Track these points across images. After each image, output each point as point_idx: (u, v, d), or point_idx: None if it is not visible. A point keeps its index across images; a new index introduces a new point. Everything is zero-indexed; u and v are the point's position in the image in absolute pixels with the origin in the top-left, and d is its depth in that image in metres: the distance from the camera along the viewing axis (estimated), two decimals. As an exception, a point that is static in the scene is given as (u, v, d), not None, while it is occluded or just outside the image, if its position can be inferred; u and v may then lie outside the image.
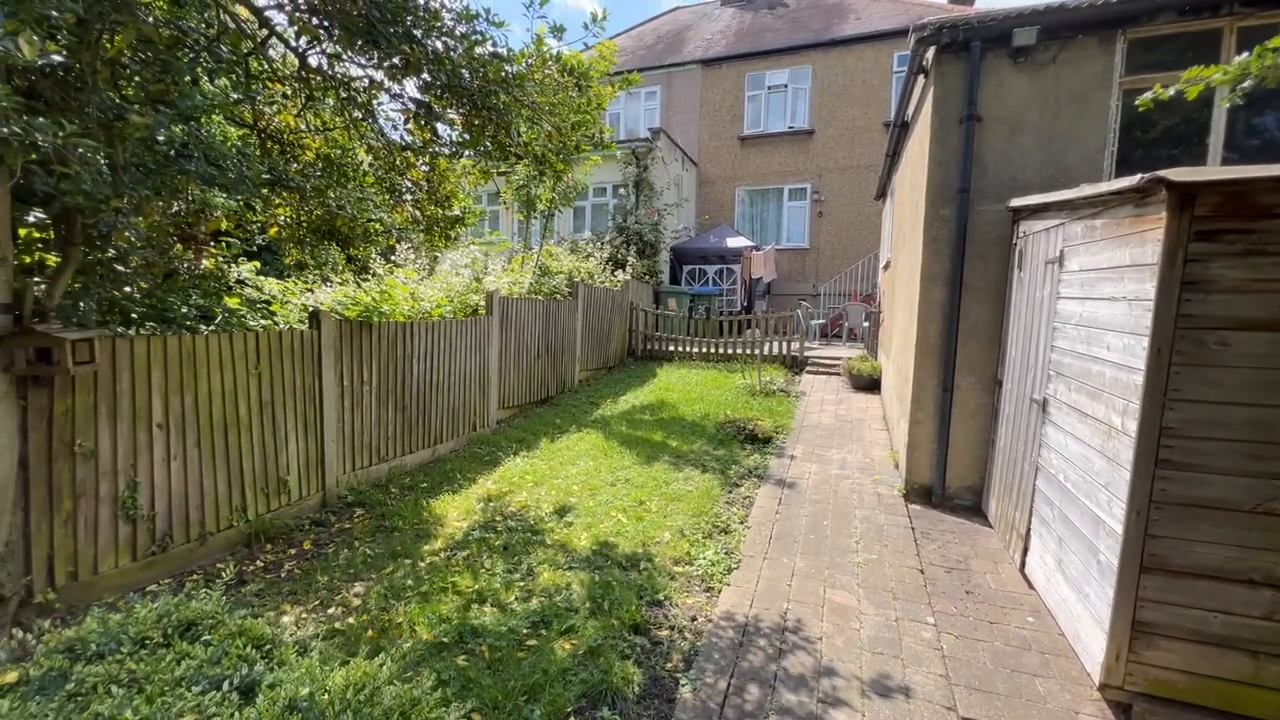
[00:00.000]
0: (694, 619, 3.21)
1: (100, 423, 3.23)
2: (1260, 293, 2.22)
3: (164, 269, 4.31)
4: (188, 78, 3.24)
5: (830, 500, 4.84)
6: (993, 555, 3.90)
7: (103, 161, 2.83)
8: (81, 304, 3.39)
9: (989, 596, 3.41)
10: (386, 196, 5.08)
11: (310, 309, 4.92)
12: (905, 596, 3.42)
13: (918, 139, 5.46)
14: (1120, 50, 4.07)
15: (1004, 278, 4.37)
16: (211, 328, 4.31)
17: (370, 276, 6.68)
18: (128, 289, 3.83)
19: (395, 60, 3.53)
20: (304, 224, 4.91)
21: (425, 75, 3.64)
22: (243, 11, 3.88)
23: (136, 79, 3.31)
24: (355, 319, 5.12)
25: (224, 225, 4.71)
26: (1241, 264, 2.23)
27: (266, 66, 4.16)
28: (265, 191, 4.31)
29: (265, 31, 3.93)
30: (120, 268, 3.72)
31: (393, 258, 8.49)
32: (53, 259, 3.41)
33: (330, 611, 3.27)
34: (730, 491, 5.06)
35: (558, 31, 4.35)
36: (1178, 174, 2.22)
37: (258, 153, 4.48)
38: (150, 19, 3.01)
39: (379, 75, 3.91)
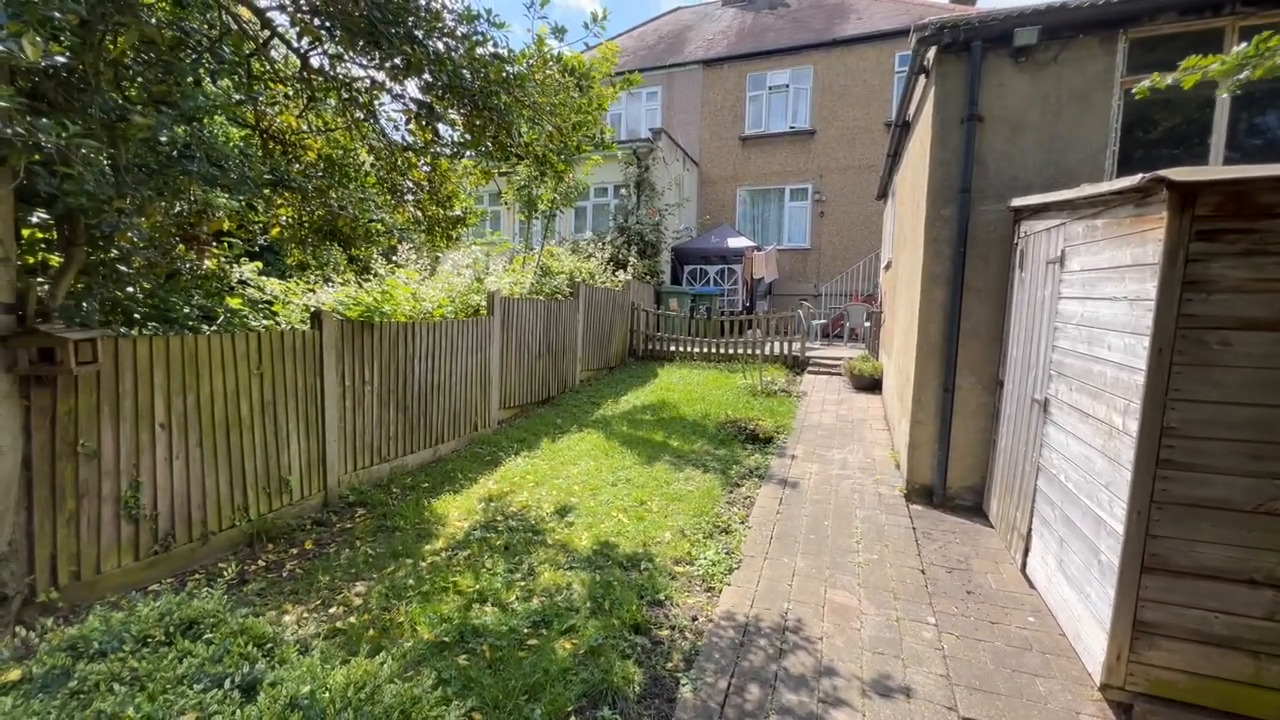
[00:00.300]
0: (695, 619, 3.21)
1: (103, 422, 3.25)
2: (1262, 292, 2.21)
3: (166, 269, 4.32)
4: (190, 79, 3.25)
5: (831, 500, 4.84)
6: (994, 555, 3.89)
7: (105, 162, 2.84)
8: (84, 304, 3.40)
9: (990, 596, 3.41)
10: (388, 197, 5.09)
11: (312, 309, 4.93)
12: (906, 596, 3.41)
13: (919, 139, 5.45)
14: (1122, 50, 4.06)
15: (1005, 278, 4.37)
16: (214, 328, 4.32)
17: (372, 277, 6.70)
18: (130, 289, 3.85)
19: (397, 61, 3.54)
20: (306, 224, 4.92)
21: (426, 76, 3.65)
22: (245, 13, 3.89)
23: (139, 80, 3.32)
24: (357, 319, 5.13)
25: (226, 226, 4.72)
26: (1243, 264, 2.23)
27: (268, 67, 4.17)
28: (267, 192, 4.33)
29: (267, 33, 3.94)
30: (123, 268, 3.73)
31: (394, 258, 8.50)
32: (56, 259, 3.42)
33: (331, 611, 3.27)
34: (731, 491, 5.06)
35: (559, 32, 4.36)
36: (1178, 174, 2.21)
37: (260, 153, 4.49)
38: (153, 20, 3.02)
39: (380, 76, 3.92)
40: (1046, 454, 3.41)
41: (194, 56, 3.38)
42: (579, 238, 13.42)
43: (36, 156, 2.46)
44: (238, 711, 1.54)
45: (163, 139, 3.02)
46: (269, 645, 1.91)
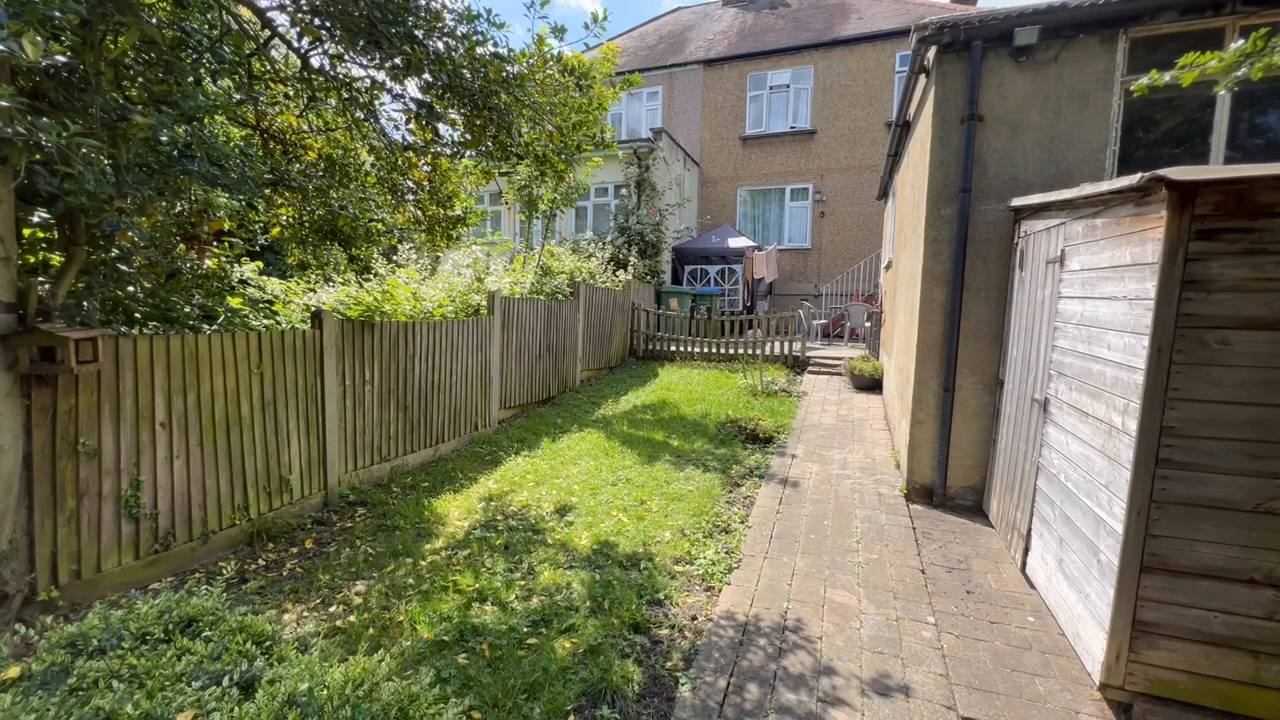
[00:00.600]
0: (694, 618, 3.21)
1: (103, 421, 3.25)
2: (1261, 291, 2.21)
3: (167, 269, 4.33)
4: (191, 78, 3.26)
5: (831, 500, 4.84)
6: (994, 555, 3.89)
7: (106, 162, 2.85)
8: (85, 303, 3.41)
9: (990, 596, 3.41)
10: (388, 196, 5.10)
11: (312, 309, 4.94)
12: (906, 596, 3.41)
13: (919, 139, 5.45)
14: (1122, 49, 4.06)
15: (1005, 277, 4.37)
16: (214, 327, 4.33)
17: (372, 276, 6.71)
18: (131, 288, 3.85)
19: (397, 61, 3.55)
20: (306, 224, 4.93)
21: (427, 75, 3.66)
22: (245, 13, 3.90)
23: (140, 80, 3.33)
24: (357, 319, 5.14)
25: (227, 225, 4.73)
26: (1242, 263, 2.23)
27: (269, 67, 4.18)
28: (268, 192, 4.34)
29: (268, 32, 3.95)
30: (123, 267, 3.74)
31: (395, 258, 8.52)
32: (56, 259, 3.43)
33: (331, 610, 3.28)
34: (731, 491, 5.06)
35: (559, 32, 4.36)
36: (1178, 173, 2.21)
37: (260, 153, 4.50)
38: (154, 20, 3.03)
39: (381, 76, 3.93)
40: (1046, 454, 3.40)
41: (194, 56, 3.39)
42: (579, 238, 13.43)
43: (37, 156, 2.47)
44: (236, 708, 1.55)
45: (163, 139, 3.03)
46: (268, 643, 1.92)
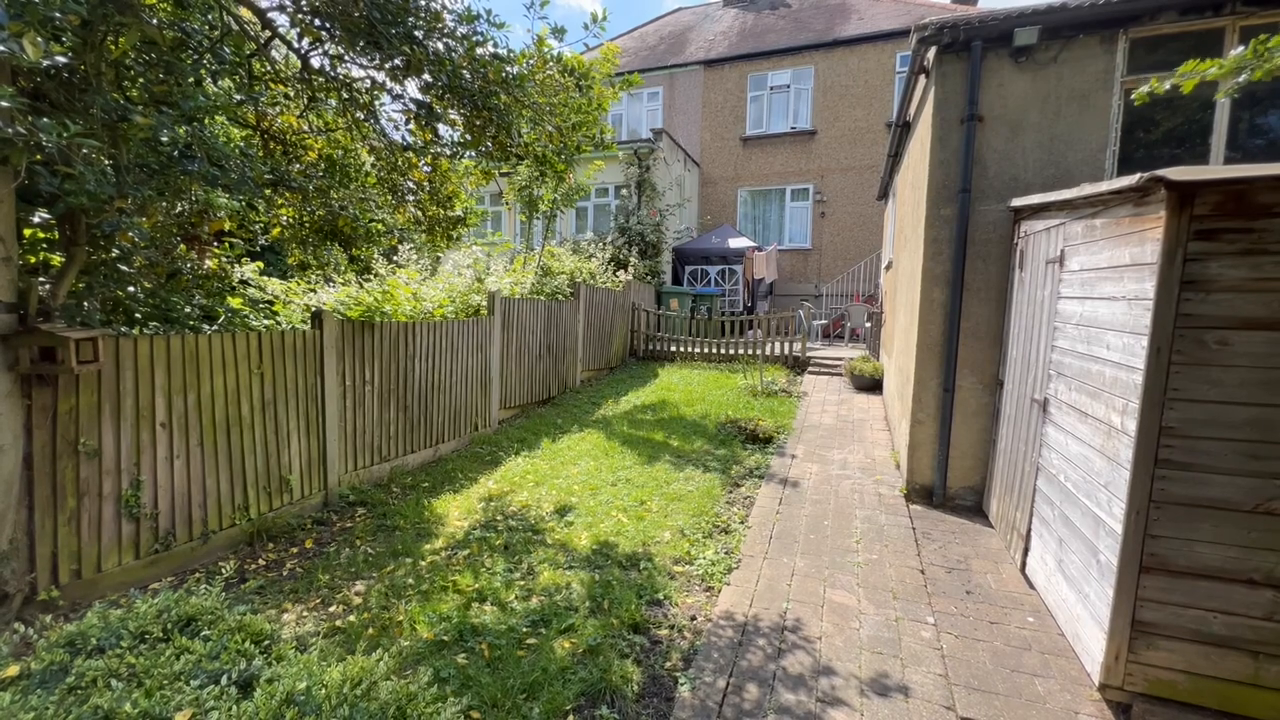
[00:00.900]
0: (693, 618, 3.21)
1: (103, 421, 3.26)
2: (1260, 292, 2.21)
3: (167, 269, 4.34)
4: (191, 79, 3.26)
5: (831, 500, 4.83)
6: (993, 555, 3.89)
7: (107, 162, 2.86)
8: (85, 303, 3.42)
9: (989, 596, 3.40)
10: (388, 197, 5.10)
11: (313, 309, 4.95)
12: (905, 596, 3.41)
13: (919, 139, 5.45)
14: (1122, 50, 4.06)
15: (1005, 277, 4.36)
16: (214, 328, 4.34)
17: (373, 277, 6.71)
18: (131, 289, 3.86)
19: (397, 61, 3.55)
20: (306, 224, 4.93)
21: (426, 76, 3.66)
22: (246, 13, 3.91)
23: (140, 80, 3.34)
24: (357, 319, 5.14)
25: (227, 226, 4.73)
26: (1241, 263, 2.23)
27: (269, 68, 4.19)
28: (268, 192, 4.34)
29: (268, 33, 3.95)
30: (124, 268, 3.75)
31: (395, 258, 8.52)
32: (57, 259, 3.44)
33: (331, 609, 3.28)
34: (731, 491, 5.06)
35: (559, 33, 4.37)
36: (1176, 173, 2.21)
37: (260, 153, 4.50)
38: (154, 21, 3.04)
39: (381, 76, 3.93)
40: (1046, 454, 3.40)
41: (195, 57, 3.39)
42: (580, 238, 13.43)
43: (38, 156, 2.47)
44: (234, 707, 1.55)
45: (163, 139, 3.04)
46: (266, 642, 1.92)
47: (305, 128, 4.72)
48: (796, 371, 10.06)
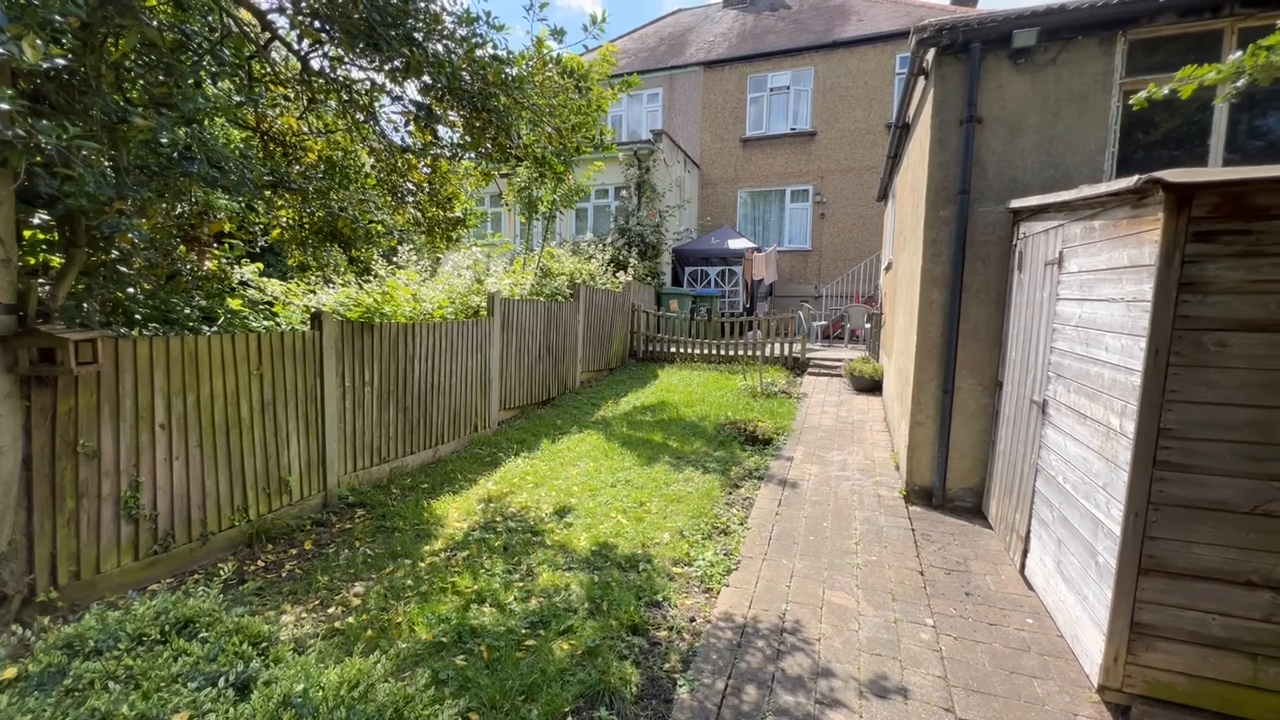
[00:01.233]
0: (692, 620, 3.21)
1: (103, 423, 3.26)
2: (1258, 294, 2.21)
3: (167, 270, 4.34)
4: (191, 81, 3.27)
5: (830, 502, 4.83)
6: (993, 557, 3.89)
7: (106, 164, 2.86)
8: (85, 305, 3.42)
9: (988, 598, 3.40)
10: (388, 198, 5.10)
11: (312, 310, 4.95)
12: (904, 598, 3.41)
13: (918, 140, 5.46)
14: (1121, 51, 4.06)
15: (1004, 279, 4.37)
16: (214, 329, 4.34)
17: (372, 278, 6.71)
18: (131, 290, 3.86)
19: (396, 63, 3.56)
20: (306, 226, 4.94)
21: (426, 78, 3.66)
22: (245, 15, 3.91)
23: (140, 82, 3.34)
24: (357, 320, 5.15)
25: (227, 227, 4.74)
26: (1239, 265, 2.23)
27: (269, 69, 4.19)
28: (268, 193, 4.34)
29: (268, 35, 3.96)
30: (123, 269, 3.75)
31: (395, 259, 8.53)
32: (56, 260, 3.44)
33: (330, 611, 3.28)
34: (730, 493, 5.06)
35: (558, 34, 4.37)
36: (1174, 175, 2.21)
37: (260, 155, 4.51)
38: (154, 23, 3.04)
39: (380, 78, 3.93)
40: (1045, 455, 3.40)
41: (195, 59, 3.40)
42: (579, 239, 13.45)
43: (38, 158, 2.47)
44: (231, 709, 1.55)
45: (163, 141, 3.04)
46: (264, 644, 1.92)
47: (305, 129, 4.73)
48: (796, 373, 10.06)
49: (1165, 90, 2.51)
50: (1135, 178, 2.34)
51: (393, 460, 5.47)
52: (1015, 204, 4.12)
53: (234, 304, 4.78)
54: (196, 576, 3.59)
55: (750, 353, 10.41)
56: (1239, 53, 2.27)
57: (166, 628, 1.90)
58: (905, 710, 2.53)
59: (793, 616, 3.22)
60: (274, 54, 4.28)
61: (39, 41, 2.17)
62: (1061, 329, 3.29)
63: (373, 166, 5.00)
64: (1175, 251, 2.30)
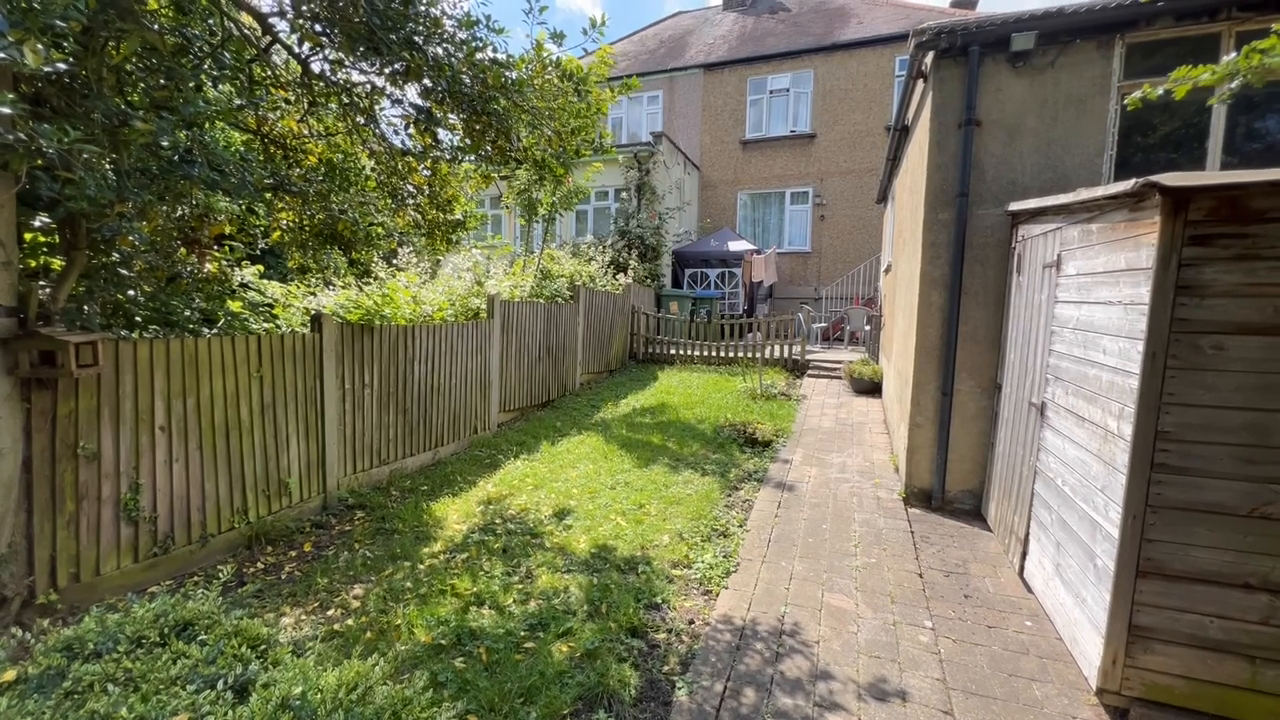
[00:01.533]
0: (691, 622, 3.21)
1: (103, 425, 3.27)
2: (1255, 297, 2.22)
3: (167, 273, 4.35)
4: (192, 84, 3.28)
5: (829, 504, 4.83)
6: (992, 559, 3.89)
7: (107, 167, 2.87)
8: (85, 307, 3.43)
9: (987, 601, 3.40)
10: (388, 201, 5.11)
11: (312, 312, 4.96)
12: (903, 600, 3.41)
13: (917, 143, 5.47)
14: (1119, 55, 4.07)
15: (1003, 281, 4.37)
16: (214, 331, 4.35)
17: (372, 280, 6.73)
18: (131, 292, 3.87)
19: (397, 66, 3.56)
20: (306, 228, 4.95)
21: (426, 81, 3.67)
22: (246, 19, 3.93)
23: (141, 85, 3.35)
24: (357, 322, 5.15)
25: (227, 229, 4.75)
26: (1236, 268, 2.23)
27: (269, 73, 4.20)
28: (268, 196, 4.35)
29: (268, 38, 3.97)
30: (124, 271, 3.76)
31: (395, 261, 8.54)
32: (57, 263, 3.45)
33: (329, 613, 3.28)
34: (729, 495, 5.06)
35: (557, 38, 4.39)
36: (1171, 179, 2.22)
37: (261, 158, 4.52)
38: (155, 26, 3.06)
39: (381, 81, 3.94)
40: (1044, 458, 3.40)
41: (196, 62, 3.41)
42: (579, 241, 13.46)
43: (39, 161, 2.48)
44: (230, 712, 1.55)
45: (164, 144, 3.05)
46: (263, 647, 1.92)
47: (305, 132, 4.74)
48: (796, 374, 10.06)
49: (1160, 91, 2.52)
50: (1132, 181, 2.35)
51: (392, 462, 5.47)
52: (1014, 207, 4.13)
53: (234, 306, 4.78)
54: (196, 579, 3.60)
55: (750, 355, 10.42)
56: (1233, 54, 2.28)
57: (166, 630, 1.91)
58: (904, 713, 2.53)
59: (791, 619, 3.22)
60: (274, 57, 4.30)
61: (40, 46, 2.18)
62: (1060, 331, 3.30)
63: (373, 169, 5.01)
64: (1172, 255, 2.31)
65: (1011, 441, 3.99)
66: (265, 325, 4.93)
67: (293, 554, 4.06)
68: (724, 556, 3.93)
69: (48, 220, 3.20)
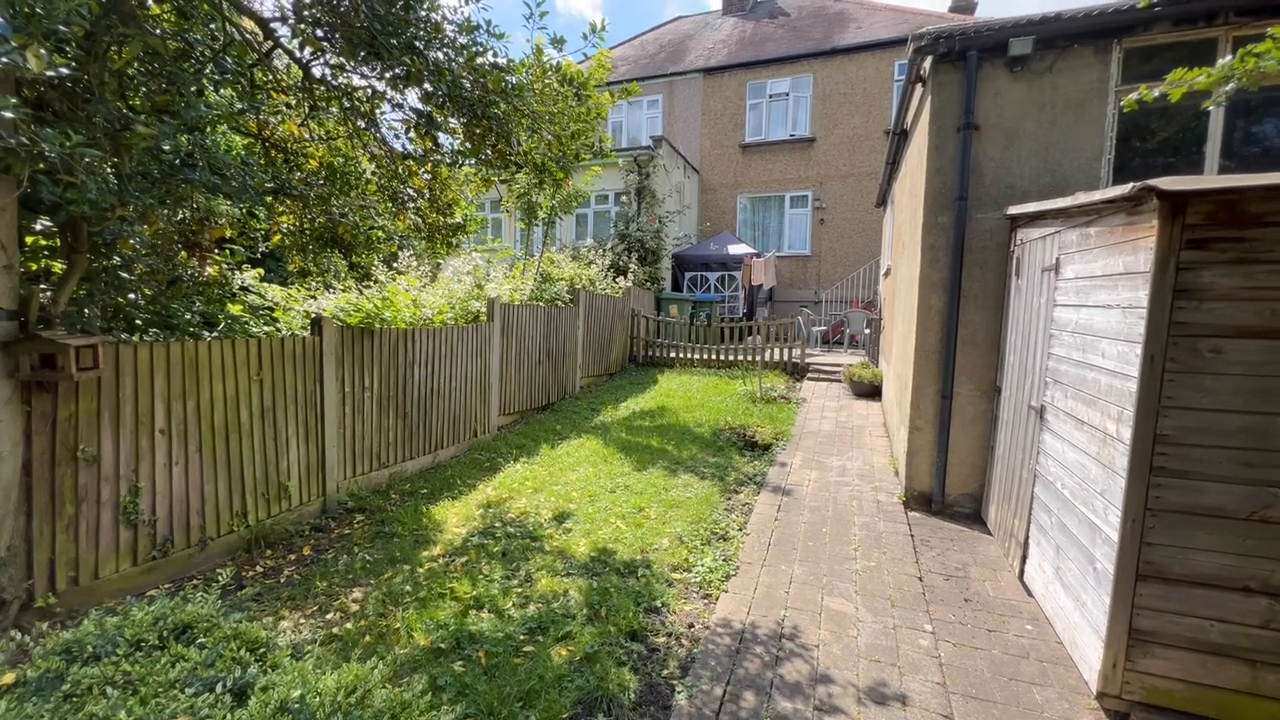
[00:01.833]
0: (691, 626, 3.20)
1: (103, 428, 3.27)
2: (1253, 300, 2.22)
3: (168, 276, 4.36)
4: (193, 88, 3.29)
5: (829, 507, 4.83)
6: (992, 563, 3.88)
7: (109, 170, 2.88)
8: (86, 310, 3.43)
9: (987, 604, 3.40)
10: (389, 204, 5.13)
11: (312, 315, 4.96)
12: (903, 604, 3.40)
13: (916, 147, 5.49)
14: (1116, 59, 4.09)
15: (1002, 285, 4.38)
16: (214, 334, 4.35)
17: (372, 283, 6.73)
18: (132, 295, 3.88)
19: (397, 71, 3.58)
20: (307, 231, 4.96)
21: (427, 85, 3.69)
22: (248, 23, 3.95)
23: (143, 90, 3.37)
24: (357, 325, 5.16)
25: (228, 233, 4.76)
26: (1234, 271, 2.24)
27: (271, 77, 4.22)
28: (269, 199, 4.37)
29: (270, 43, 3.99)
30: (125, 275, 3.77)
31: (395, 265, 8.55)
32: (58, 266, 3.46)
33: (328, 617, 3.28)
34: (729, 498, 5.05)
35: (557, 43, 4.40)
36: (1168, 183, 2.23)
37: (262, 161, 4.54)
38: (157, 31, 3.07)
39: (381, 86, 3.96)
40: (1043, 461, 3.41)
41: (197, 67, 3.43)
42: (580, 244, 13.48)
43: (41, 165, 2.49)
44: (229, 715, 1.55)
45: (165, 148, 3.06)
46: (262, 650, 1.92)
47: (306, 136, 4.76)
48: (796, 378, 10.06)
49: (1156, 93, 2.53)
50: (1130, 185, 2.36)
51: (392, 465, 5.47)
52: (1013, 210, 4.14)
53: (234, 309, 4.79)
54: (195, 582, 3.59)
55: (750, 358, 10.42)
56: (1229, 57, 2.29)
57: (165, 633, 1.91)
58: (904, 717, 2.52)
59: (791, 622, 3.21)
60: (276, 62, 4.31)
61: (43, 50, 2.19)
62: (1059, 335, 3.30)
63: (373, 173, 5.02)
64: (1170, 258, 2.31)
65: (1011, 445, 3.99)
66: (265, 328, 4.94)
67: (292, 557, 4.05)
68: (723, 560, 3.92)
69: (49, 224, 3.21)
